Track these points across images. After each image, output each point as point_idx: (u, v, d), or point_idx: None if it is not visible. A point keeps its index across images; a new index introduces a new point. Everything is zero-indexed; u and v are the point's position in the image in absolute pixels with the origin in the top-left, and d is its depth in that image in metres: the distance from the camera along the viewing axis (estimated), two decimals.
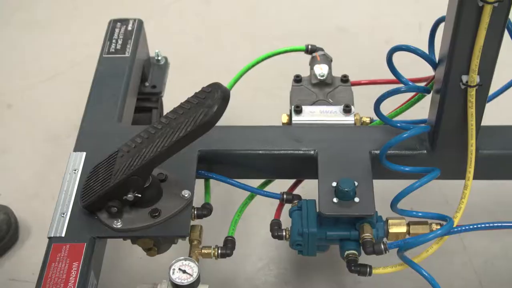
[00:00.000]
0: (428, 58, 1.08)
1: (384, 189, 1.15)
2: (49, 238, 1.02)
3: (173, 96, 1.29)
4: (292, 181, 1.20)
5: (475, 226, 1.02)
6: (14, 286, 1.33)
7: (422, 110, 1.17)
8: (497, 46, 0.96)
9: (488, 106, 1.08)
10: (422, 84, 1.16)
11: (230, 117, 1.53)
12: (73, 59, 1.87)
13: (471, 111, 1.02)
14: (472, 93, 1.00)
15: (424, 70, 1.21)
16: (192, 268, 1.01)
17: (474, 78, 0.98)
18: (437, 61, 1.07)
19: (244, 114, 1.66)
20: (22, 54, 1.91)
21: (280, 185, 1.19)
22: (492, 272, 1.33)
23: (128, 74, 1.30)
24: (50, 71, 1.85)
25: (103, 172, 1.05)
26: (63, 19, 1.99)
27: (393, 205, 1.06)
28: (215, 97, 0.95)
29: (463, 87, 1.00)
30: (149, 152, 0.98)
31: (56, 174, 1.55)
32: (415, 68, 1.24)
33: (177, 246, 1.11)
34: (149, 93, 1.45)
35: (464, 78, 0.99)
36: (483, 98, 1.02)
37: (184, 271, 1.00)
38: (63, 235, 1.02)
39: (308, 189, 1.22)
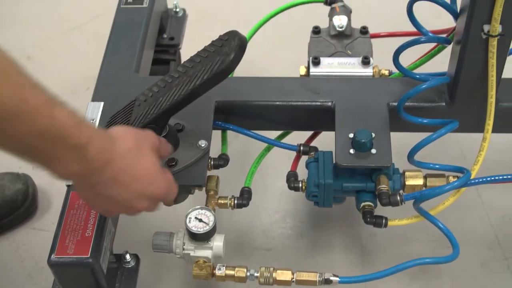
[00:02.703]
0: (450, 7, 1.06)
1: (402, 143, 1.15)
2: (68, 186, 1.04)
3: (192, 49, 1.29)
4: (309, 133, 1.20)
5: (492, 178, 1.01)
6: (25, 257, 1.35)
7: (443, 65, 1.16)
8: None
9: (510, 59, 1.06)
10: (443, 35, 1.14)
11: (248, 70, 1.52)
12: (93, 11, 1.86)
13: (492, 61, 1.00)
14: (493, 43, 0.98)
15: (446, 25, 1.19)
16: (209, 217, 1.01)
17: (496, 27, 0.96)
18: (458, 11, 1.05)
19: (262, 67, 1.66)
20: (41, 6, 1.91)
21: (298, 138, 1.19)
22: (509, 227, 1.32)
23: (145, 24, 1.29)
24: (70, 24, 1.85)
25: (120, 121, 1.05)
26: None
27: (410, 156, 1.05)
28: (232, 45, 0.94)
29: (484, 37, 0.98)
30: (166, 101, 0.98)
31: None
32: (436, 22, 1.22)
33: (194, 197, 1.12)
34: (167, 45, 1.44)
35: (486, 27, 0.97)
36: (504, 48, 1.00)
37: (200, 220, 1.01)
38: None
39: (326, 143, 1.22)
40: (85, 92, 1.64)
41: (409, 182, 1.07)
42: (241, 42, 0.94)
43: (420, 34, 1.14)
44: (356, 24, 1.28)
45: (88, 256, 0.94)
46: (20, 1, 1.93)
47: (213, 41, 0.99)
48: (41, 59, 1.76)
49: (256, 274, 1.02)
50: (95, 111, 1.13)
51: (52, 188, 1.44)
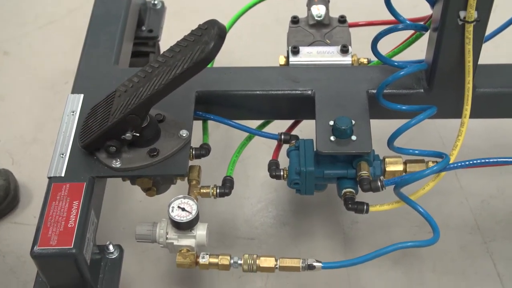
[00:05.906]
0: None
1: (382, 131, 1.16)
2: (49, 178, 1.03)
3: (170, 41, 1.29)
4: (290, 122, 1.21)
5: (471, 162, 1.03)
6: (6, 252, 1.34)
7: (422, 53, 1.17)
8: None
9: (486, 46, 1.07)
10: (420, 23, 1.15)
11: (227, 61, 1.53)
12: (70, 5, 1.85)
13: (468, 47, 1.01)
14: (469, 29, 0.99)
15: (423, 14, 1.20)
16: (191, 206, 1.02)
17: (472, 13, 0.97)
18: None
19: (242, 58, 1.66)
20: (18, 1, 1.89)
21: (278, 127, 1.19)
22: (488, 211, 1.34)
23: (124, 17, 1.29)
24: (47, 18, 1.84)
25: (101, 112, 1.05)
26: None
27: (390, 142, 1.06)
28: (211, 33, 0.94)
29: (460, 23, 1.00)
30: (146, 91, 0.98)
31: (54, 120, 1.55)
32: (414, 11, 1.23)
33: (176, 187, 1.12)
34: (146, 38, 1.45)
35: (462, 14, 0.98)
36: (480, 34, 1.02)
37: (183, 209, 1.02)
38: (62, 175, 1.03)
39: (306, 132, 1.23)
40: (64, 86, 1.63)
41: (390, 168, 1.08)
42: (220, 30, 0.94)
43: (398, 22, 1.15)
44: (334, 13, 1.29)
45: (72, 246, 0.94)
46: None
47: (192, 31, 0.99)
48: (19, 54, 1.75)
49: (239, 262, 1.03)
50: (75, 103, 1.13)
51: (32, 182, 1.43)
